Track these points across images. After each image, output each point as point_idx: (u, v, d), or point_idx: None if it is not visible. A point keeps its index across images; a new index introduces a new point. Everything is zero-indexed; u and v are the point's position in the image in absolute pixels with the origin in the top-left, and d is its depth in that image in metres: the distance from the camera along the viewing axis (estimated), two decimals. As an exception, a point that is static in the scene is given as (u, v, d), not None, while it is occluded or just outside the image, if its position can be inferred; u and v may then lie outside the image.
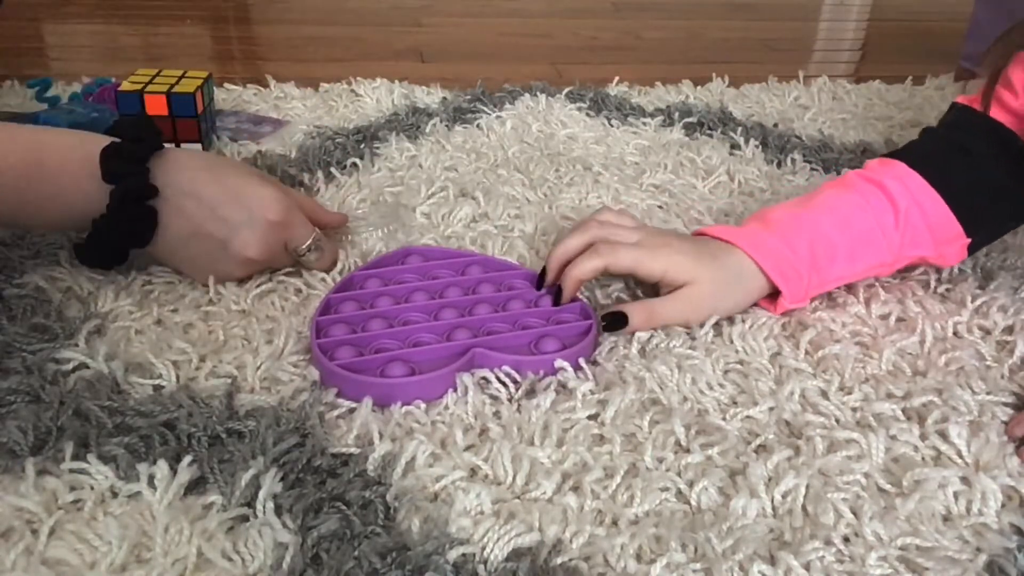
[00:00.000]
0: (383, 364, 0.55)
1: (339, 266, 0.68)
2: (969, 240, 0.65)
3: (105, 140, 0.60)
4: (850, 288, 0.67)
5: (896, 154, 0.66)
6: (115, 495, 0.47)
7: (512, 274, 0.66)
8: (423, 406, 0.54)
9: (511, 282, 0.65)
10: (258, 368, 0.56)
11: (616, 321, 0.60)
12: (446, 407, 0.54)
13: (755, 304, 0.64)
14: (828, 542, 0.45)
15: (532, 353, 0.57)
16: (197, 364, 0.57)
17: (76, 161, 0.58)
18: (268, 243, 0.62)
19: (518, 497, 0.48)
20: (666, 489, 0.49)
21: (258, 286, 0.65)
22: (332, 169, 0.84)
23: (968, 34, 1.26)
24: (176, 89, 0.83)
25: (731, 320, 0.63)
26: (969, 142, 0.65)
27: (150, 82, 0.84)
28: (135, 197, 0.59)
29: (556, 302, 0.62)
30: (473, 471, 0.49)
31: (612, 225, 0.63)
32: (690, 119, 0.99)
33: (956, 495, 0.49)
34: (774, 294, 0.63)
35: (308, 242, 0.65)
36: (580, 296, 0.63)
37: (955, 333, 0.63)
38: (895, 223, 0.63)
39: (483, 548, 0.44)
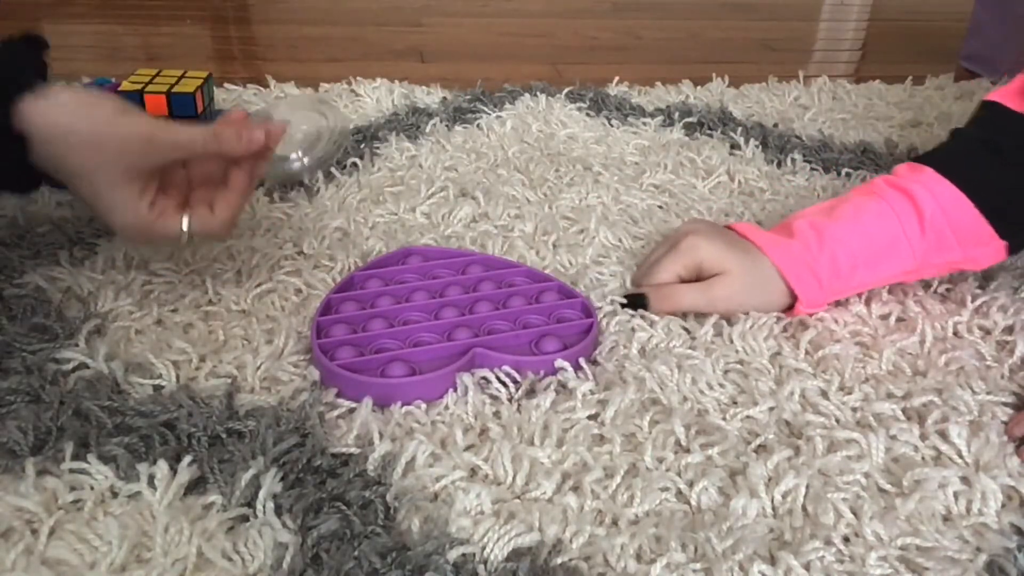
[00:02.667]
0: (383, 364, 0.55)
1: (339, 266, 0.68)
2: (1006, 243, 0.64)
3: None
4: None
5: (924, 158, 0.65)
6: (115, 495, 0.47)
7: (512, 272, 0.66)
8: (423, 406, 0.54)
9: (511, 279, 0.65)
10: (258, 368, 0.56)
11: (636, 301, 0.63)
12: (446, 407, 0.54)
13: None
14: (828, 542, 0.45)
15: (533, 352, 0.58)
16: (197, 364, 0.57)
17: None
18: (132, 238, 0.59)
19: (518, 497, 0.48)
20: (666, 489, 0.49)
21: (258, 286, 0.65)
22: (332, 169, 0.84)
23: (968, 34, 1.26)
24: (176, 89, 0.83)
25: (731, 320, 0.63)
26: (1001, 140, 0.64)
27: (150, 82, 0.84)
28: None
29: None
30: (473, 471, 0.49)
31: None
32: (690, 119, 0.99)
33: (956, 495, 0.49)
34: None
35: (177, 238, 0.58)
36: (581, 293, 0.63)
37: (955, 333, 0.63)
38: (920, 231, 0.62)
39: (483, 548, 0.44)
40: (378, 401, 0.54)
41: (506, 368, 0.56)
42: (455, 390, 0.55)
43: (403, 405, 0.54)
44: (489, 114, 0.99)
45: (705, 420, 0.54)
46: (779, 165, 0.90)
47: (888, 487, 0.49)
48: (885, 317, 0.65)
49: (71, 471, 0.47)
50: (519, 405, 0.54)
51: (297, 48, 1.26)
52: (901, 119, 1.04)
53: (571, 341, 0.58)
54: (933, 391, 0.56)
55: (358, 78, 1.07)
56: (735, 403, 0.56)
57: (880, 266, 0.63)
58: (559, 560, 0.44)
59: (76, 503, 0.46)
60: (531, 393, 0.55)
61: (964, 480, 0.50)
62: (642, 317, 0.63)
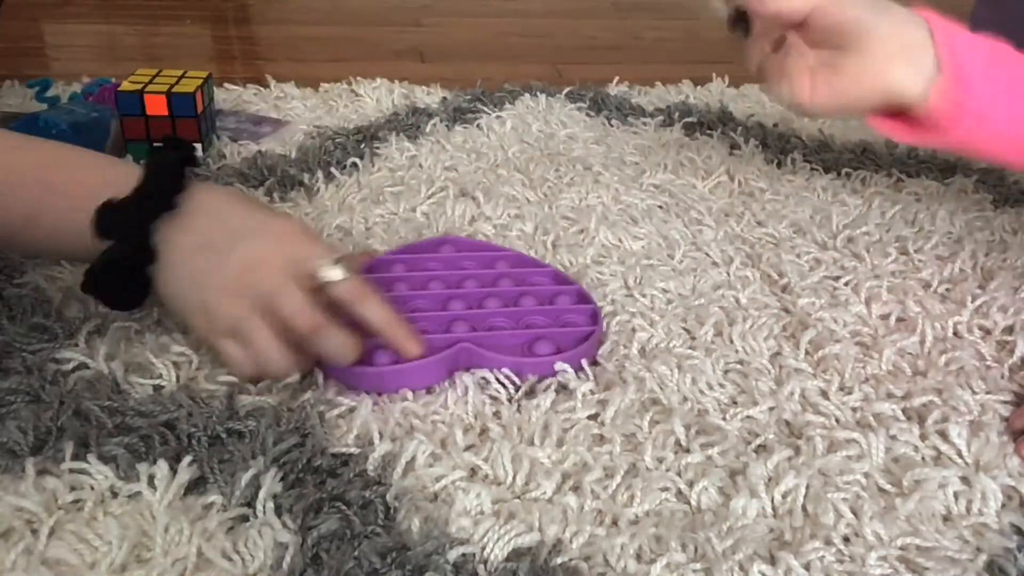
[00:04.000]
0: (370, 351, 0.55)
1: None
2: None
3: (125, 171, 0.55)
4: (851, 287, 0.67)
5: None
6: (115, 495, 0.47)
7: (536, 272, 0.66)
8: (423, 406, 0.54)
9: (531, 279, 0.65)
10: (258, 368, 0.56)
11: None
12: (446, 407, 0.54)
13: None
14: (828, 542, 0.45)
15: (524, 354, 0.57)
16: (197, 364, 0.57)
17: (83, 198, 0.53)
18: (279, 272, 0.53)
19: (518, 497, 0.48)
20: (666, 489, 0.49)
21: (258, 286, 0.65)
22: (332, 169, 0.84)
23: (968, 34, 1.26)
24: (176, 89, 0.83)
25: (731, 320, 0.63)
26: None
27: (150, 82, 0.84)
28: (122, 265, 0.54)
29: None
30: (473, 471, 0.49)
31: None
32: (690, 119, 0.99)
33: (956, 495, 0.49)
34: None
35: (328, 259, 0.53)
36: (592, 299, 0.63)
37: (955, 333, 0.63)
38: None
39: (483, 548, 0.44)
40: (368, 389, 0.54)
41: (505, 370, 0.56)
42: (455, 389, 0.55)
43: (401, 403, 0.53)
44: (489, 114, 0.98)
45: (705, 420, 0.54)
46: (779, 165, 0.90)
47: (888, 487, 0.49)
48: (885, 317, 0.65)
49: (71, 471, 0.47)
50: (519, 405, 0.54)
51: (297, 48, 1.26)
52: (901, 119, 1.04)
53: (567, 346, 0.58)
54: (933, 391, 0.56)
55: (358, 78, 1.07)
56: (735, 403, 0.56)
57: None
58: (559, 560, 0.44)
59: (76, 503, 0.46)
60: (531, 393, 0.55)
61: (964, 480, 0.50)
62: (642, 316, 0.63)
